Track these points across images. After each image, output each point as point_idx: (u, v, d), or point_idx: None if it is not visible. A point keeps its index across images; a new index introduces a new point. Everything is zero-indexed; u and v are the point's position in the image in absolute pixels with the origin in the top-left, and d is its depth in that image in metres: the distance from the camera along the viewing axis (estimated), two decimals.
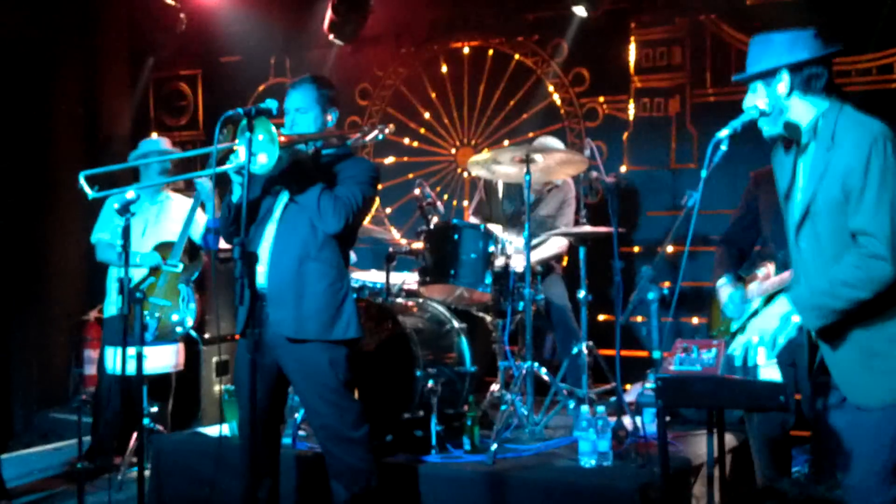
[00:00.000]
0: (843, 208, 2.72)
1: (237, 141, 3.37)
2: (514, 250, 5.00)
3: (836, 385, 2.80)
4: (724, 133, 2.82)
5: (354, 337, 3.69)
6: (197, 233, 5.35)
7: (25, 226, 6.50)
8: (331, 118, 3.78)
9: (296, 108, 3.71)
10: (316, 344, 3.61)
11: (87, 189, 3.58)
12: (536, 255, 5.38)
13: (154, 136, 5.53)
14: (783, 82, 2.83)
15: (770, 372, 2.65)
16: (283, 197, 3.71)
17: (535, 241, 5.35)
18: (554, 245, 5.51)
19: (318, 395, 3.63)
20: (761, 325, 2.80)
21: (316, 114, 3.72)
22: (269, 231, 3.69)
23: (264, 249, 3.66)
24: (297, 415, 4.61)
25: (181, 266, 5.22)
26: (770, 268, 4.06)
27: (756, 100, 2.89)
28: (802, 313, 2.74)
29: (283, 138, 3.39)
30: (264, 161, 3.36)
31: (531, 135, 6.34)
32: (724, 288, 4.12)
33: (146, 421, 4.84)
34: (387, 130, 4.11)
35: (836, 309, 2.69)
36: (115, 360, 5.07)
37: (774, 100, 2.85)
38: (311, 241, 3.62)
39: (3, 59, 6.19)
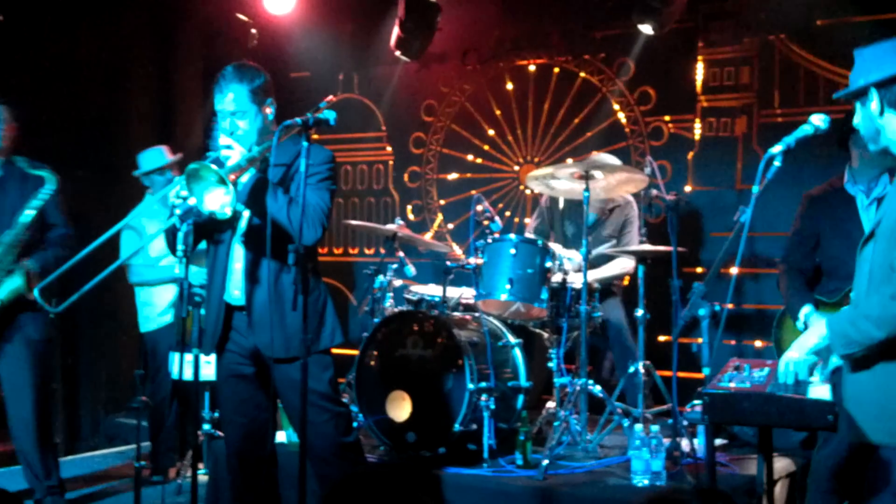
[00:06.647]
0: None
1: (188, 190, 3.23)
2: (576, 267, 4.96)
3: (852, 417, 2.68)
4: (776, 149, 2.76)
5: (340, 342, 3.68)
6: None
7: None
8: (269, 111, 3.55)
9: (231, 113, 3.47)
10: None
11: None
12: (600, 274, 5.35)
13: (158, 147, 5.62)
14: (874, 101, 2.66)
15: (820, 390, 2.59)
16: (243, 212, 3.52)
17: (598, 252, 5.32)
18: (618, 265, 5.44)
19: (311, 405, 3.38)
20: (803, 341, 2.73)
21: (255, 113, 3.49)
22: (238, 250, 3.56)
23: (236, 270, 3.55)
24: None
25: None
26: None
27: (857, 119, 2.74)
28: (831, 337, 2.65)
29: (232, 176, 3.24)
30: (228, 204, 3.24)
31: (595, 153, 6.32)
32: (813, 317, 4.04)
33: (207, 427, 4.94)
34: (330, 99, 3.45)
35: (854, 340, 2.57)
36: (176, 365, 5.19)
37: (869, 120, 2.69)
38: (282, 255, 3.28)
39: (80, 75, 6.40)
